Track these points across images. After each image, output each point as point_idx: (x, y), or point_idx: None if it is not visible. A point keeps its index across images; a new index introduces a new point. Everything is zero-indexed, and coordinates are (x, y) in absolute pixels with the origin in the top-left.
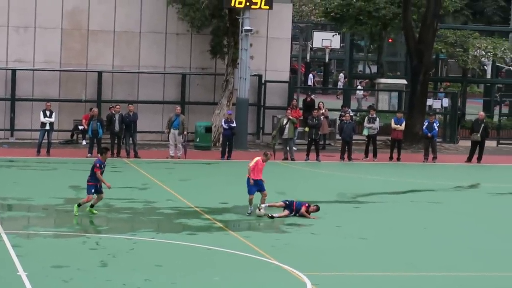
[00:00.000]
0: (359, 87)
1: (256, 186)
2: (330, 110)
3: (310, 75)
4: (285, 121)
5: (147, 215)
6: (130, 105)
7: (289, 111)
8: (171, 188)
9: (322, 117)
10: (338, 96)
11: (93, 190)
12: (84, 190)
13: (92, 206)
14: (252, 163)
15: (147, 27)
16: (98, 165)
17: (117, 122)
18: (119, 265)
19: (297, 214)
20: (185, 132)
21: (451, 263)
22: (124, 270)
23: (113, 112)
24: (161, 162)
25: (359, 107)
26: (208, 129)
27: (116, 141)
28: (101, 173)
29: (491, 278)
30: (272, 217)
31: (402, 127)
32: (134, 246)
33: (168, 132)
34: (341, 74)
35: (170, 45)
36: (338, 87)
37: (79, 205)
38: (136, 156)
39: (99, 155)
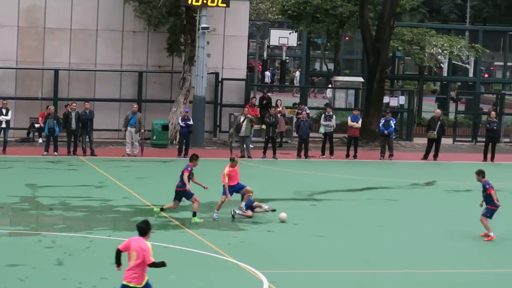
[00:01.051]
0: (329, 86)
1: (234, 190)
2: (287, 108)
3: (267, 73)
4: (242, 119)
5: (103, 213)
6: (86, 103)
7: (246, 109)
8: (128, 186)
9: (279, 115)
10: (294, 94)
11: (192, 192)
12: (40, 188)
13: (194, 214)
14: (225, 178)
15: (103, 25)
16: (189, 169)
17: (73, 120)
18: (75, 264)
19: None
20: (142, 130)
21: (407, 261)
22: (80, 268)
23: (70, 110)
24: (118, 160)
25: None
26: (165, 127)
27: (72, 139)
28: (189, 178)
29: (445, 275)
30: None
31: (359, 124)
32: (90, 244)
33: (125, 130)
34: (297, 72)
35: (127, 43)
36: (295, 84)
37: (194, 214)
38: (92, 154)
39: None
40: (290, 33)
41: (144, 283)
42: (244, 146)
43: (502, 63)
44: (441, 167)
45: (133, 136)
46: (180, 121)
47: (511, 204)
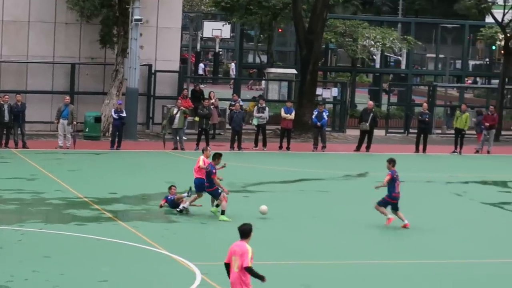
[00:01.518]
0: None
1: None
2: (221, 100)
3: (201, 65)
4: (175, 111)
5: (35, 206)
6: (17, 95)
7: (179, 101)
8: (60, 178)
9: (212, 106)
10: (230, 85)
11: (220, 191)
12: None
13: (223, 212)
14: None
15: (36, 16)
16: (215, 171)
17: (6, 112)
18: (7, 257)
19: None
20: (74, 122)
21: (339, 252)
22: (12, 261)
23: (2, 102)
24: (50, 152)
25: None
26: (98, 119)
27: (5, 132)
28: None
29: (377, 266)
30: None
31: (292, 116)
32: (22, 237)
33: (57, 122)
34: (233, 64)
35: (59, 34)
36: (231, 76)
37: (222, 212)
38: (24, 146)
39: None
40: (223, 25)
41: None
42: (177, 138)
43: (434, 55)
44: (374, 159)
45: (65, 128)
46: (113, 113)
47: (444, 195)
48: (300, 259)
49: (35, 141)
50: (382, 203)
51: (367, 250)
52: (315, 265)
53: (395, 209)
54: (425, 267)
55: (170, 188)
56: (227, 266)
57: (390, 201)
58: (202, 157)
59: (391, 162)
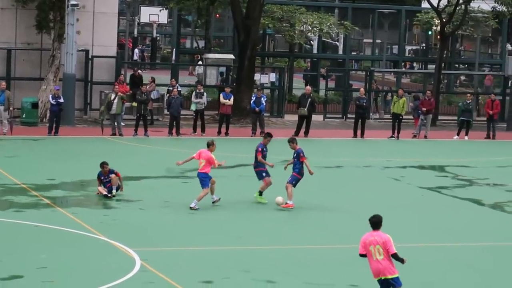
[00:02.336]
0: (199, 63)
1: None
2: (159, 85)
3: (136, 50)
4: (113, 97)
5: None
6: None
7: (117, 86)
8: None
9: (150, 92)
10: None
11: (264, 174)
12: None
13: (260, 193)
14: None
15: None
16: (260, 149)
17: None
18: None
19: None
20: (11, 108)
21: (280, 237)
22: None
23: None
24: None
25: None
26: (35, 105)
27: None
28: (264, 156)
29: (319, 251)
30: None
31: (231, 102)
32: None
33: None
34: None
35: None
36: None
37: (260, 193)
38: None
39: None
40: (160, 10)
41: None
42: (116, 123)
43: (371, 40)
44: (312, 144)
45: (1, 114)
46: (50, 99)
47: (381, 180)
48: (240, 245)
49: None
50: (293, 181)
51: (305, 234)
52: (255, 250)
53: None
54: (355, 251)
55: (102, 165)
56: (364, 256)
57: (300, 178)
58: (204, 150)
59: (293, 141)
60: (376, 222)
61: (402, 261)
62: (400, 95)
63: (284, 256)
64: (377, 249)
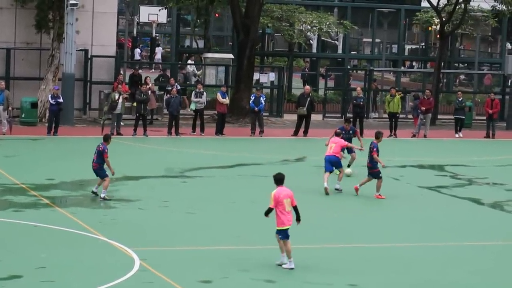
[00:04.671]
0: (189, 61)
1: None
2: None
3: (138, 50)
4: (117, 96)
5: None
6: None
7: (120, 86)
8: None
9: (149, 91)
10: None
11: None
12: None
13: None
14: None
15: None
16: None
17: None
18: None
19: None
20: (10, 108)
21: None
22: None
23: None
24: None
25: (188, 82)
26: (34, 105)
27: None
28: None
29: (316, 250)
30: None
31: (227, 100)
32: None
33: None
34: (159, 49)
35: None
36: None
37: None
38: None
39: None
40: (159, 10)
41: None
42: (115, 123)
43: (370, 40)
44: (311, 143)
45: (1, 114)
46: (50, 98)
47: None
48: (239, 244)
49: None
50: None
51: (305, 234)
52: (254, 249)
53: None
54: (355, 251)
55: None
56: (271, 210)
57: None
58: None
59: (378, 134)
60: (280, 179)
61: (299, 215)
62: (393, 94)
63: (280, 256)
64: (288, 202)
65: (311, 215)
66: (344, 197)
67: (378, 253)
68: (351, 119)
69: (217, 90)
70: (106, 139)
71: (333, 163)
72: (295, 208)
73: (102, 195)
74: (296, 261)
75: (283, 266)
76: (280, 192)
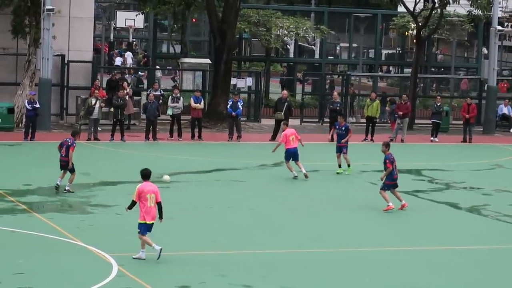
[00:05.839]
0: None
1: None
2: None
3: (129, 53)
4: (93, 101)
5: None
6: None
7: (97, 91)
8: None
9: (127, 97)
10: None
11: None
12: None
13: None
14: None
15: None
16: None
17: None
18: None
19: None
20: None
21: (253, 241)
22: None
23: None
24: None
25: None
26: (11, 110)
27: None
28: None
29: (290, 255)
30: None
31: (201, 105)
32: None
33: None
34: (128, 53)
35: None
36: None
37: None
38: None
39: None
40: (136, 15)
41: None
42: (92, 128)
43: (347, 44)
44: None
45: None
46: (26, 104)
47: (358, 184)
48: (215, 249)
49: None
50: (386, 188)
51: (281, 238)
52: (229, 254)
53: (394, 187)
54: (330, 255)
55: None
56: (134, 203)
57: (391, 184)
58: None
59: (387, 146)
60: (147, 174)
61: (162, 214)
62: (373, 98)
63: (259, 260)
64: (152, 197)
65: (286, 220)
66: (320, 201)
67: (354, 258)
68: (343, 115)
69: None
70: (74, 134)
71: (295, 155)
72: (158, 205)
73: (67, 188)
74: (275, 265)
75: (133, 256)
76: (145, 187)
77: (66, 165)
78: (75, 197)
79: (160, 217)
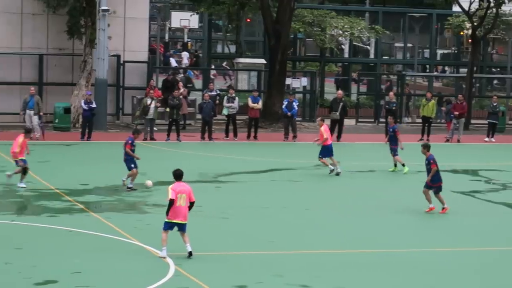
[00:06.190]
0: (212, 66)
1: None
2: (197, 90)
3: (185, 53)
4: (149, 101)
5: (6, 197)
6: None
7: (152, 91)
8: (31, 170)
9: (181, 96)
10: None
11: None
12: None
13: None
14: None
15: (1, 7)
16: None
17: None
18: None
19: None
20: (41, 113)
21: (310, 241)
22: None
23: None
24: None
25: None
26: (67, 110)
27: None
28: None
29: (347, 255)
30: None
31: (259, 105)
32: None
33: (23, 114)
34: (185, 53)
35: (26, 25)
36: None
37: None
38: None
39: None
40: (191, 15)
41: None
42: (148, 128)
43: (402, 44)
44: (344, 148)
45: (32, 119)
46: (83, 104)
47: (414, 184)
48: (272, 249)
49: (4, 133)
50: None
51: (337, 239)
52: (286, 255)
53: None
54: (385, 256)
55: (137, 132)
56: (172, 201)
57: (437, 186)
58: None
59: (427, 147)
60: (179, 174)
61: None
62: (429, 98)
63: (315, 260)
64: (183, 197)
65: (342, 220)
66: (376, 201)
67: (410, 259)
68: (395, 116)
69: (249, 95)
70: (134, 132)
71: (332, 150)
72: (191, 204)
73: (129, 185)
74: (330, 265)
75: (160, 254)
76: (177, 187)
77: (125, 163)
78: (132, 196)
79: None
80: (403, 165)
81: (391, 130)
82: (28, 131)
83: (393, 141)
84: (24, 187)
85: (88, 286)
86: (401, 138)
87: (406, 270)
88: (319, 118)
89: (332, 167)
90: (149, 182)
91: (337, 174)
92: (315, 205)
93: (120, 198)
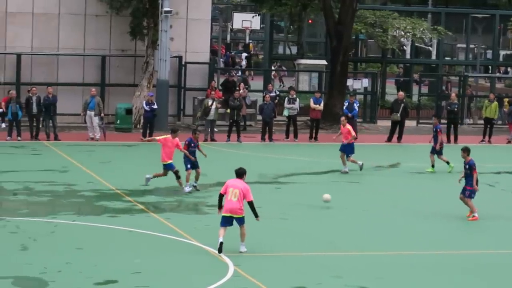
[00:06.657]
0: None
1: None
2: (252, 91)
3: (244, 55)
4: (210, 102)
5: (67, 197)
6: (49, 88)
7: (213, 92)
8: (92, 170)
9: (242, 98)
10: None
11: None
12: (4, 173)
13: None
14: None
15: (66, 8)
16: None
17: (34, 104)
18: (40, 249)
19: None
20: (102, 114)
21: (371, 242)
22: (45, 253)
23: (30, 94)
24: (81, 144)
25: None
26: (129, 111)
27: (34, 124)
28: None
29: (407, 257)
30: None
31: (321, 107)
32: (54, 229)
33: (84, 115)
34: (243, 54)
35: (89, 26)
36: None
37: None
38: (56, 138)
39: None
40: (253, 16)
41: None
42: (209, 129)
43: (464, 45)
44: (405, 149)
45: (92, 120)
46: (144, 105)
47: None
48: (332, 250)
49: (66, 133)
50: (471, 195)
51: (396, 241)
52: (347, 256)
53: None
54: (447, 258)
55: (194, 132)
56: (222, 196)
57: (471, 190)
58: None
59: (467, 151)
60: (240, 173)
61: (256, 213)
62: (492, 99)
63: (374, 261)
64: (234, 192)
65: (401, 222)
66: (438, 203)
67: (470, 260)
68: (439, 116)
69: (310, 96)
70: (192, 132)
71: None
72: (250, 204)
73: (194, 184)
74: (389, 266)
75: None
76: (231, 182)
77: (195, 164)
78: (192, 197)
79: (255, 215)
80: (433, 166)
81: (434, 129)
82: (174, 131)
83: (436, 142)
84: (188, 191)
85: (148, 286)
86: (442, 138)
87: (466, 273)
88: (342, 118)
89: (360, 163)
90: (327, 196)
91: (344, 172)
92: (373, 207)
93: (180, 199)
